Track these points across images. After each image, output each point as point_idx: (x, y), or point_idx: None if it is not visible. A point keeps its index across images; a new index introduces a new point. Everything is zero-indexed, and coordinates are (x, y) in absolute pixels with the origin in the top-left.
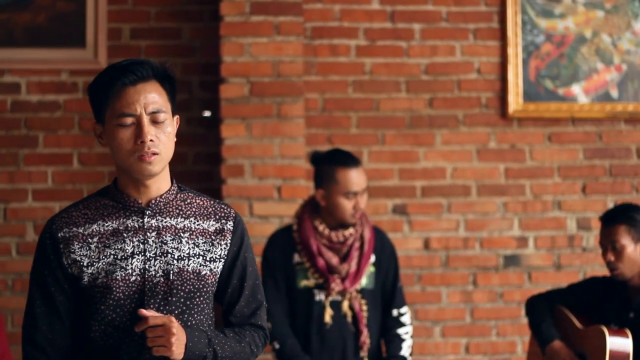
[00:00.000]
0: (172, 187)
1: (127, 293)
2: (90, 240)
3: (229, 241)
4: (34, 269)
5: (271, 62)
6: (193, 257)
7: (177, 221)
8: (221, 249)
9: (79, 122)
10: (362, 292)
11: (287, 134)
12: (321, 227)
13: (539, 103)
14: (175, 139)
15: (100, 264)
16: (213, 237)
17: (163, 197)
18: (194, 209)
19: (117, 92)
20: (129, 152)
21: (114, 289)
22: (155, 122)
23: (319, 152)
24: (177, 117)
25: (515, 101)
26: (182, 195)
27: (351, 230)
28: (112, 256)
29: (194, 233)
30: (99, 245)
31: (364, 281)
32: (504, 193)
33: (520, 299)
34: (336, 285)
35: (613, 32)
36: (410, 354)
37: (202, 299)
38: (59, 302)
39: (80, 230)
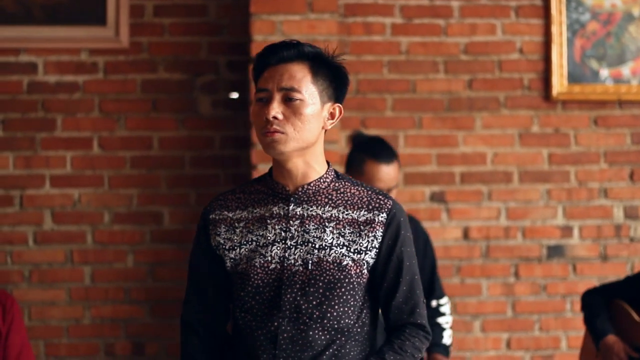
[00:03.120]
0: (325, 176)
1: (265, 281)
2: (236, 225)
3: (380, 234)
4: (191, 251)
5: (304, 41)
6: (336, 247)
7: (323, 210)
8: (368, 240)
9: (100, 104)
10: None
11: None
12: None
13: (585, 85)
14: (326, 127)
15: (242, 249)
16: (361, 228)
17: (312, 184)
18: (345, 198)
19: (261, 70)
20: (257, 127)
21: (252, 275)
22: (288, 100)
23: (361, 135)
24: (337, 106)
25: (559, 83)
26: (336, 184)
27: None
28: (254, 242)
29: (341, 223)
30: (243, 231)
31: None
32: (548, 180)
33: (564, 292)
34: None
35: None
36: (451, 344)
37: (343, 290)
38: (210, 284)
39: (230, 215)
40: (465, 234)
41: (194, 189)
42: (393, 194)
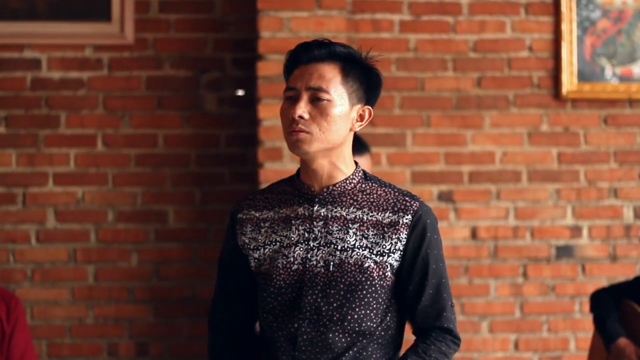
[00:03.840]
0: (351, 177)
1: (287, 282)
2: (262, 225)
3: (404, 236)
4: (221, 248)
5: (312, 38)
6: (358, 248)
7: (348, 211)
8: (392, 243)
9: (104, 101)
10: None
11: None
12: None
13: (595, 83)
14: (354, 129)
15: (265, 250)
16: (385, 230)
17: (338, 185)
18: (371, 200)
19: (292, 69)
20: (284, 126)
21: (275, 276)
22: (315, 99)
23: None
24: (367, 108)
25: (569, 81)
26: (362, 185)
27: None
28: (277, 243)
29: (365, 224)
30: (268, 231)
31: None
32: (557, 179)
33: (573, 292)
34: None
35: None
36: None
37: (365, 292)
38: (236, 283)
39: (257, 214)
40: (473, 234)
41: (199, 187)
42: None
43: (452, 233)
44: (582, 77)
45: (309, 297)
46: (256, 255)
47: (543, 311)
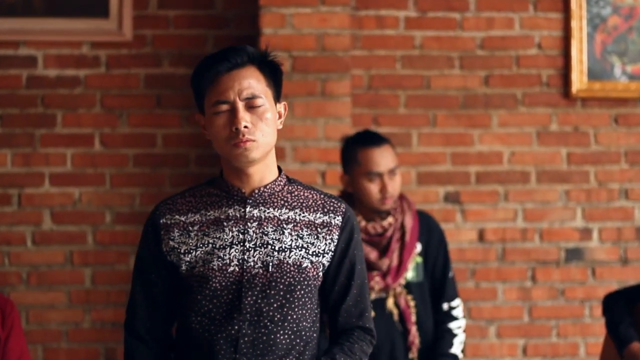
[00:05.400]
0: (279, 178)
1: (224, 283)
2: (190, 229)
3: (336, 237)
4: (137, 256)
5: (315, 34)
6: (295, 249)
7: (280, 212)
8: (326, 243)
9: (101, 99)
10: (408, 286)
11: (332, 114)
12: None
13: (605, 81)
14: (278, 126)
15: (198, 252)
16: (319, 230)
17: (268, 187)
18: (300, 200)
19: (212, 81)
20: (225, 139)
21: (211, 278)
22: (251, 107)
23: (348, 135)
24: (284, 104)
25: (579, 79)
26: (289, 187)
27: (390, 219)
28: (210, 245)
29: (299, 225)
30: (199, 234)
31: (409, 274)
32: (566, 180)
33: (583, 296)
34: (376, 284)
35: None
36: (463, 351)
37: (303, 292)
38: (159, 291)
39: (182, 218)
40: (481, 236)
41: None
42: (397, 179)
43: (458, 235)
44: (592, 75)
45: (249, 299)
46: (187, 259)
47: (552, 315)
